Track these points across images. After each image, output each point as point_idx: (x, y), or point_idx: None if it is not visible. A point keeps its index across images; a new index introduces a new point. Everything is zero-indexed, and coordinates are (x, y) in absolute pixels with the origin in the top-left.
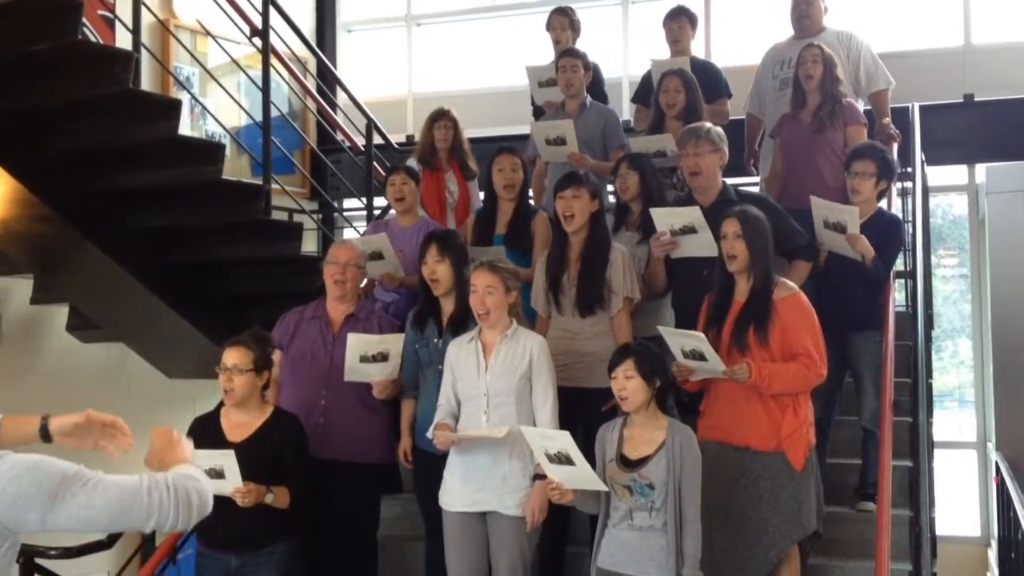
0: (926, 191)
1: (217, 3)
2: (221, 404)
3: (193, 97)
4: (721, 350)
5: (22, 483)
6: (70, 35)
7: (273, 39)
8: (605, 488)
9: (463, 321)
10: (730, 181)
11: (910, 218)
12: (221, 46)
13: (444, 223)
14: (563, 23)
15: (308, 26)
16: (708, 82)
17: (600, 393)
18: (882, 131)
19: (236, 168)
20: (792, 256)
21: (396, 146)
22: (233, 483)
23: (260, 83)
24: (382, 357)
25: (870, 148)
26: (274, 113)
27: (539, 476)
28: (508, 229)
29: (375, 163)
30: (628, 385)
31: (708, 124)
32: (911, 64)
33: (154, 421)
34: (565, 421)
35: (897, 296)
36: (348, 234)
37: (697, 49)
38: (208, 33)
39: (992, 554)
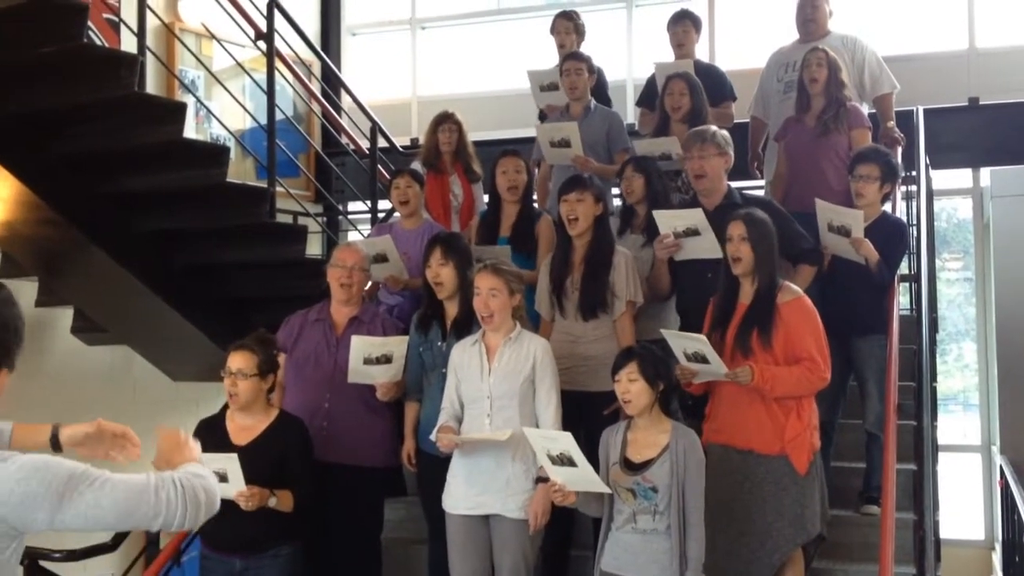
0: (930, 195)
1: (222, 7)
2: (226, 407)
3: (198, 100)
4: (725, 353)
5: (30, 484)
6: (75, 39)
7: (278, 42)
8: (607, 490)
9: (467, 324)
10: (734, 184)
11: (914, 222)
12: (226, 49)
13: (448, 226)
14: (568, 27)
15: (313, 29)
16: (712, 85)
17: (603, 397)
18: (887, 135)
19: (241, 171)
20: (796, 260)
21: (400, 149)
22: (236, 487)
23: (265, 86)
24: (386, 359)
25: (874, 151)
26: (279, 116)
27: (542, 479)
28: (512, 232)
29: (379, 166)
30: (631, 388)
31: (714, 127)
32: (915, 67)
33: (159, 424)
34: (568, 425)
35: (901, 300)
36: (352, 237)
37: (701, 52)
38: (213, 36)
39: (996, 557)
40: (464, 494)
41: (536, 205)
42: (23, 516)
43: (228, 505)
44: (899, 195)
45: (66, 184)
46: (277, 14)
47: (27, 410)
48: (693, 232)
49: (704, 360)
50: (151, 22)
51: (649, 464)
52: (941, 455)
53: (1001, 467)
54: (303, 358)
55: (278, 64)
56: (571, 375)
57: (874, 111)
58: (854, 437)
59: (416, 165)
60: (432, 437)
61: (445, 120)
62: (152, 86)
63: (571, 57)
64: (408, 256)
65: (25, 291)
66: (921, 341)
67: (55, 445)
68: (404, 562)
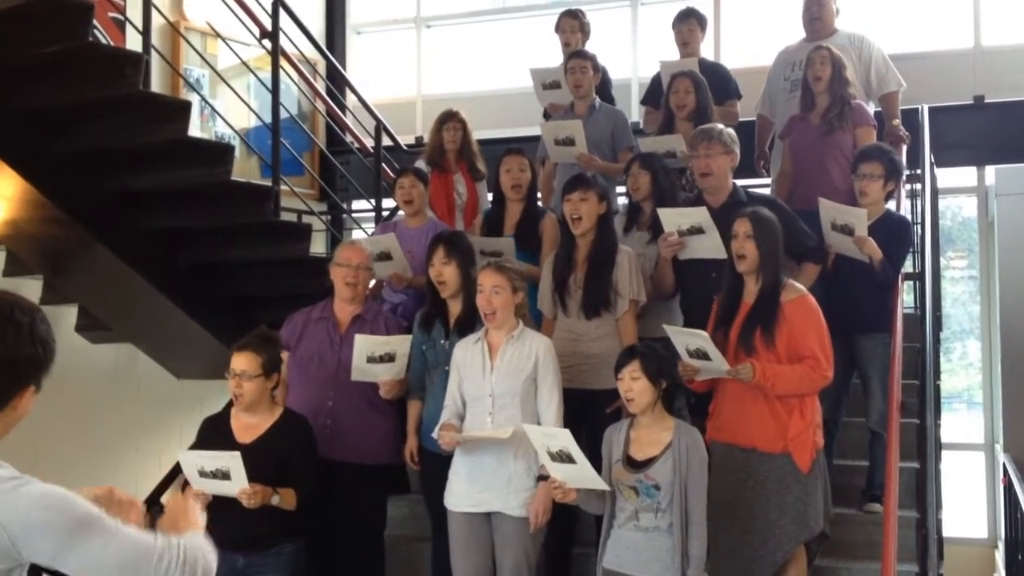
0: (935, 193)
1: (227, 5)
2: (230, 404)
3: (203, 99)
4: (728, 351)
5: (49, 512)
6: (81, 37)
7: (283, 41)
8: (607, 487)
9: (470, 322)
10: (740, 183)
11: (919, 220)
12: (231, 48)
13: (453, 224)
14: (573, 25)
15: (318, 28)
16: (718, 84)
17: (605, 395)
18: (892, 133)
19: (245, 169)
20: (801, 258)
21: (405, 148)
22: (239, 484)
23: (270, 85)
24: (389, 357)
25: (877, 150)
26: (283, 115)
27: (543, 477)
28: (516, 230)
29: (384, 164)
30: (634, 386)
31: (720, 125)
32: (921, 66)
33: (163, 421)
34: (570, 423)
35: (906, 298)
36: (357, 236)
37: (706, 51)
38: (218, 35)
39: (999, 556)
40: (466, 492)
41: (540, 203)
42: (31, 542)
43: (231, 502)
44: (904, 193)
45: (71, 182)
46: (282, 13)
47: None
48: (697, 230)
49: (706, 356)
50: (156, 21)
51: (652, 462)
52: (944, 453)
53: (1004, 465)
54: (307, 356)
55: (283, 63)
56: (573, 373)
57: (880, 109)
58: (857, 435)
59: (420, 163)
60: (434, 435)
61: (449, 118)
62: (157, 85)
63: (576, 55)
64: (412, 254)
65: (29, 289)
66: (925, 339)
67: None
68: (407, 560)
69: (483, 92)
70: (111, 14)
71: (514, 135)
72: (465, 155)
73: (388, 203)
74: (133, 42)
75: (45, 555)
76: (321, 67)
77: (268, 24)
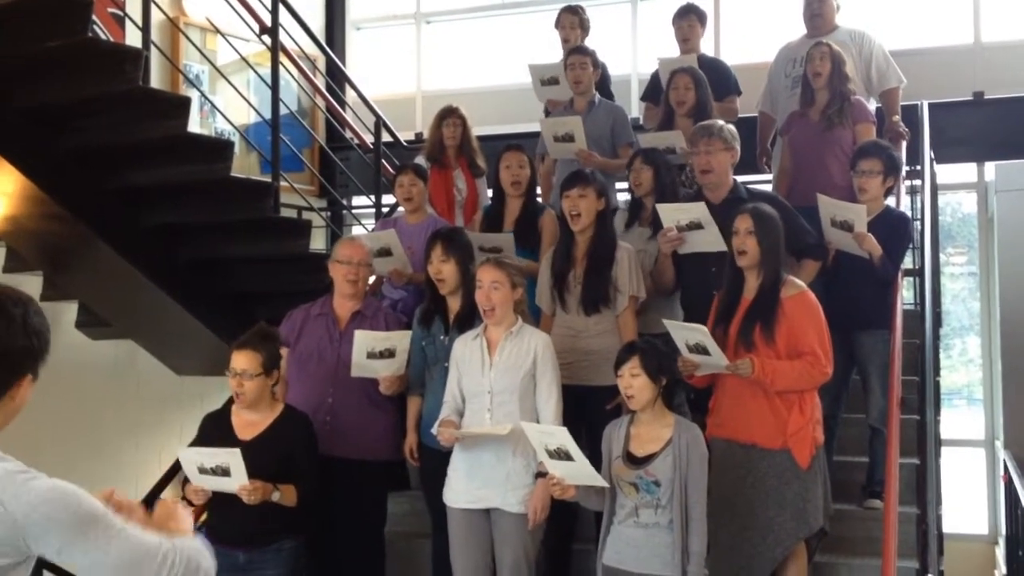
0: (935, 189)
1: (227, 1)
2: (230, 400)
3: (203, 95)
4: (728, 347)
5: (58, 506)
6: (80, 33)
7: (282, 37)
8: (605, 484)
9: (470, 319)
10: (741, 179)
11: (919, 216)
12: (231, 44)
13: (452, 220)
14: (573, 22)
15: (317, 24)
16: (717, 80)
17: (605, 391)
18: (892, 129)
19: (245, 166)
20: (801, 255)
21: (405, 144)
22: (239, 481)
23: (269, 81)
24: (389, 353)
25: (875, 146)
26: (283, 111)
27: (542, 474)
28: (516, 226)
29: (384, 161)
30: (634, 383)
31: (720, 122)
32: (921, 62)
33: (163, 418)
34: (569, 419)
35: (905, 294)
36: (357, 232)
37: (706, 46)
38: (218, 31)
39: (1000, 552)
40: (465, 488)
41: (540, 199)
42: (39, 536)
43: (232, 499)
44: (903, 189)
45: (71, 178)
46: (281, 8)
47: (31, 405)
48: (696, 226)
49: (705, 351)
50: (156, 17)
51: (652, 458)
52: (944, 450)
53: (1005, 461)
54: (306, 353)
55: (282, 59)
56: (573, 370)
57: (880, 105)
58: (857, 431)
59: (420, 160)
60: (433, 431)
61: (449, 115)
62: (156, 81)
63: (576, 51)
64: (412, 250)
65: (30, 286)
66: (925, 335)
67: None
68: (408, 556)
69: (483, 88)
70: (110, 10)
71: (514, 131)
72: (465, 151)
73: (388, 199)
74: (132, 38)
75: (52, 549)
76: (321, 63)
77: (268, 20)
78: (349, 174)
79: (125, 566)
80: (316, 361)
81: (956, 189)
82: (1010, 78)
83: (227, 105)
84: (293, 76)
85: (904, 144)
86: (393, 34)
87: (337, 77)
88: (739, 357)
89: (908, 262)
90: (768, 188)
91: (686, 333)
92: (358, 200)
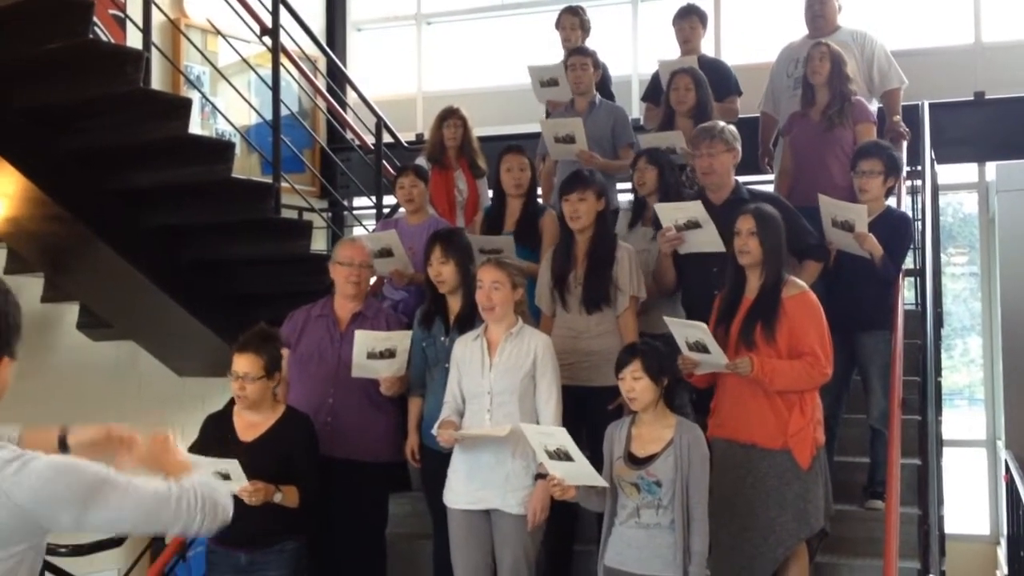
0: (936, 189)
1: (227, 2)
2: (232, 402)
3: (203, 96)
4: (730, 347)
5: (58, 485)
6: (81, 34)
7: (283, 38)
8: (605, 484)
9: (470, 319)
10: (743, 179)
11: (920, 216)
12: (231, 45)
13: (453, 221)
14: (573, 23)
15: (318, 25)
16: (718, 80)
17: (606, 392)
18: (892, 129)
19: (246, 167)
20: (803, 256)
21: (406, 144)
22: (240, 483)
23: (270, 82)
24: (389, 353)
25: (875, 146)
26: (284, 112)
27: (541, 476)
28: (516, 227)
29: (385, 161)
30: (636, 386)
31: (722, 123)
32: (922, 62)
33: (165, 419)
34: (570, 420)
35: (907, 294)
36: (358, 233)
37: (707, 47)
38: (218, 32)
39: (1001, 552)
40: (464, 489)
41: (540, 200)
42: (50, 516)
43: (234, 499)
44: (904, 189)
45: (72, 180)
46: (282, 10)
47: (32, 406)
48: (694, 224)
49: (705, 350)
50: (157, 18)
51: (653, 459)
52: (946, 450)
53: (1006, 462)
54: (307, 354)
55: (283, 60)
56: (573, 371)
57: (882, 105)
58: (858, 432)
59: (421, 161)
60: (433, 431)
61: (450, 116)
62: (157, 82)
63: (576, 52)
64: (413, 251)
65: (31, 287)
66: (926, 336)
67: (63, 448)
68: (409, 557)
69: (484, 89)
70: (112, 11)
71: (515, 132)
72: (466, 152)
73: (389, 200)
74: (134, 39)
75: (66, 523)
76: (322, 64)
77: (268, 21)
78: (350, 175)
79: (144, 517)
80: (317, 362)
81: (957, 189)
82: (1011, 78)
83: (228, 106)
84: (294, 77)
85: (905, 144)
86: (394, 35)
87: (338, 78)
88: (740, 356)
89: (909, 262)
90: (769, 188)
91: (686, 330)
92: (359, 201)
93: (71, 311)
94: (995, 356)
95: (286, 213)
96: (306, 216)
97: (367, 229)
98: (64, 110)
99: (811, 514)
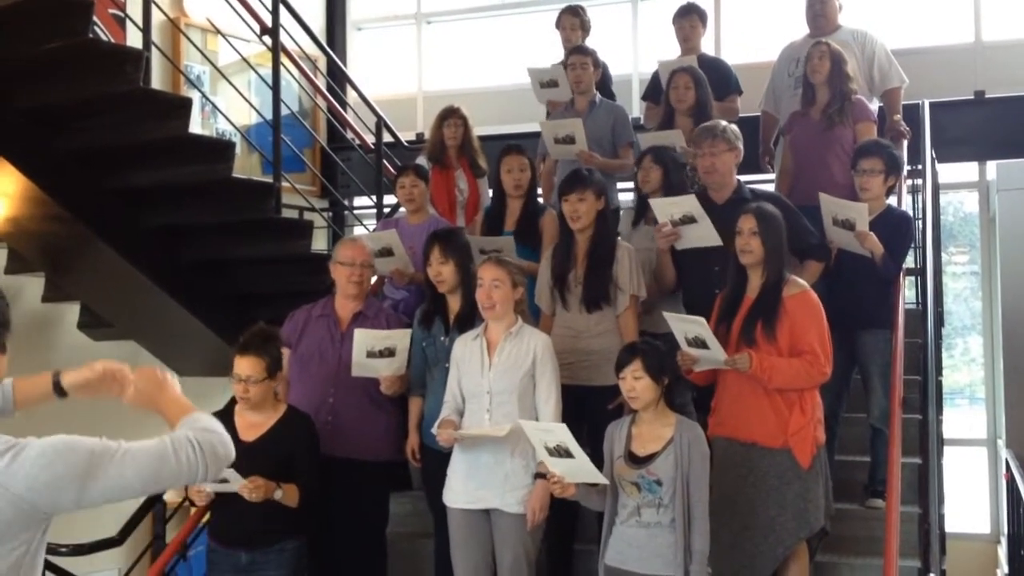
0: (936, 188)
1: (228, 2)
2: (233, 401)
3: (204, 95)
4: (730, 345)
5: (55, 467)
6: (81, 34)
7: (283, 37)
8: (605, 481)
9: (470, 319)
10: (744, 178)
11: (920, 215)
12: (231, 44)
13: (454, 221)
14: (573, 23)
15: (318, 24)
16: (718, 79)
17: (606, 391)
18: (893, 128)
19: (247, 166)
20: (804, 255)
21: (406, 144)
22: (239, 481)
23: (270, 81)
24: (389, 352)
25: (876, 145)
26: (284, 111)
27: (541, 475)
28: (517, 227)
29: (385, 161)
30: (637, 386)
31: (723, 122)
32: (922, 61)
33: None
34: (570, 420)
35: (907, 293)
36: (358, 232)
37: (707, 46)
38: (219, 31)
39: (1002, 551)
40: (464, 488)
41: (540, 199)
42: (51, 499)
43: (235, 499)
44: (905, 188)
45: (72, 179)
46: (282, 9)
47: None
48: (690, 219)
49: (704, 345)
50: (156, 17)
51: (653, 457)
52: (946, 449)
53: (1007, 461)
54: (308, 353)
55: (283, 59)
56: (573, 370)
57: (882, 105)
58: (859, 431)
59: (421, 160)
60: (433, 430)
61: (450, 115)
62: (158, 82)
63: (576, 51)
64: (414, 250)
65: (31, 287)
66: (927, 335)
67: (59, 392)
68: (409, 556)
69: (484, 88)
70: (111, 11)
71: (515, 131)
72: (466, 151)
73: (389, 199)
74: (133, 39)
75: (68, 503)
76: (322, 63)
77: (268, 20)
78: (350, 174)
79: (146, 479)
80: (318, 361)
81: (958, 188)
82: (1011, 77)
83: (228, 106)
84: (294, 77)
85: (905, 143)
86: (394, 34)
87: (338, 77)
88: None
89: (910, 261)
90: (770, 188)
91: (685, 326)
92: (359, 200)
93: (72, 311)
94: (996, 355)
95: (287, 213)
96: (307, 216)
97: (367, 229)
98: (64, 110)
99: (811, 513)
